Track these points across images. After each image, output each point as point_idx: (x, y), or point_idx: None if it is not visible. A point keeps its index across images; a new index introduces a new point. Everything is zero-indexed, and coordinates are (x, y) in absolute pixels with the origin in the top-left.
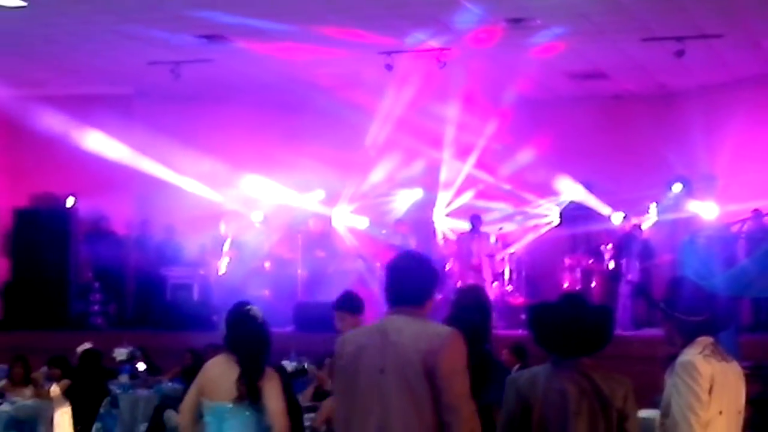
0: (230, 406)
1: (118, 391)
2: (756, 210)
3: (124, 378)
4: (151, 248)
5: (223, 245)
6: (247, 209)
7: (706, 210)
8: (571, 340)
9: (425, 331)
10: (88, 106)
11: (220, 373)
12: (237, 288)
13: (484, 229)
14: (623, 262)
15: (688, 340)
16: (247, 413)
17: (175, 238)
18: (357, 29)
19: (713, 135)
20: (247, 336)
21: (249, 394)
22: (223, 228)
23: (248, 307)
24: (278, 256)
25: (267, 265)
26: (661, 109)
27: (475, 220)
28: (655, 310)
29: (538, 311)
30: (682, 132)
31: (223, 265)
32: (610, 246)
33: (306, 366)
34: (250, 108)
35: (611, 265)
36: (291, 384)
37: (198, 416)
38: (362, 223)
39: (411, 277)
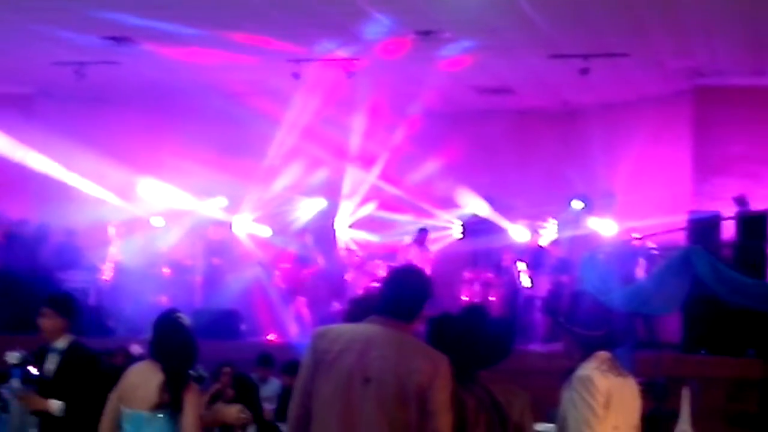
0: (148, 414)
1: (8, 396)
2: (630, 231)
3: (15, 382)
4: (50, 251)
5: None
6: (147, 214)
7: (605, 227)
8: (471, 352)
9: (419, 351)
10: None
11: (141, 380)
12: (135, 293)
13: (392, 239)
14: (527, 276)
15: (586, 354)
16: (165, 422)
17: (74, 241)
18: (266, 36)
19: (613, 152)
20: (174, 344)
21: (171, 403)
22: (112, 232)
23: (177, 314)
24: (177, 262)
25: (166, 270)
26: (564, 126)
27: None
28: (554, 324)
29: (438, 323)
30: (583, 149)
31: (108, 270)
32: (518, 261)
33: (202, 373)
34: (155, 112)
35: (523, 279)
36: (258, 394)
37: (117, 424)
38: (265, 231)
39: (408, 293)
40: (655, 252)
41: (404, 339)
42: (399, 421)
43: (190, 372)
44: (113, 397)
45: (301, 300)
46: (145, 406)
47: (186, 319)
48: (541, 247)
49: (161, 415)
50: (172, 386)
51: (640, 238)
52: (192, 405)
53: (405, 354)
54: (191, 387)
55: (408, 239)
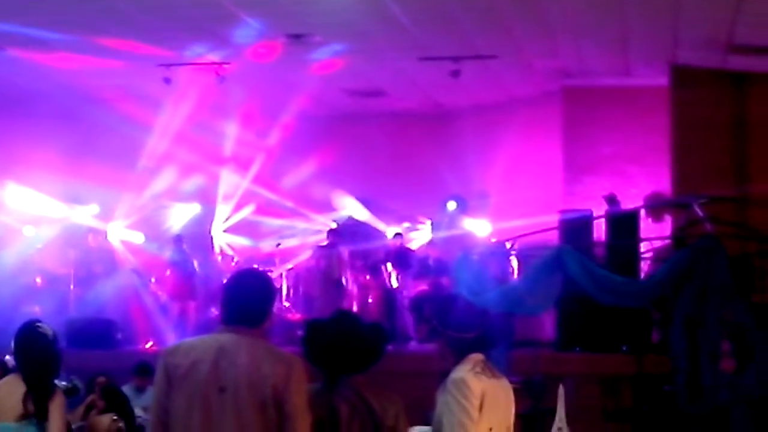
0: (15, 425)
1: None
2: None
3: None
4: None
5: None
6: (17, 223)
7: (479, 227)
8: (342, 357)
9: (271, 355)
10: None
11: (7, 392)
12: (5, 304)
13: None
14: (400, 277)
15: (460, 357)
16: None
17: None
18: (134, 41)
19: (486, 153)
20: (34, 354)
21: (36, 413)
22: None
23: (37, 324)
24: (50, 271)
25: (38, 280)
26: (438, 128)
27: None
28: (428, 326)
29: (311, 328)
30: (457, 150)
31: None
32: (388, 263)
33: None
34: (23, 118)
35: (391, 281)
36: (129, 404)
37: None
38: (137, 237)
39: (250, 297)
40: (514, 253)
41: (255, 344)
42: (258, 428)
43: (64, 383)
44: None
45: (179, 306)
46: (11, 417)
47: (47, 329)
48: (413, 248)
49: (28, 426)
50: (35, 396)
51: (495, 240)
52: (57, 413)
53: (257, 360)
54: (56, 395)
55: (286, 242)
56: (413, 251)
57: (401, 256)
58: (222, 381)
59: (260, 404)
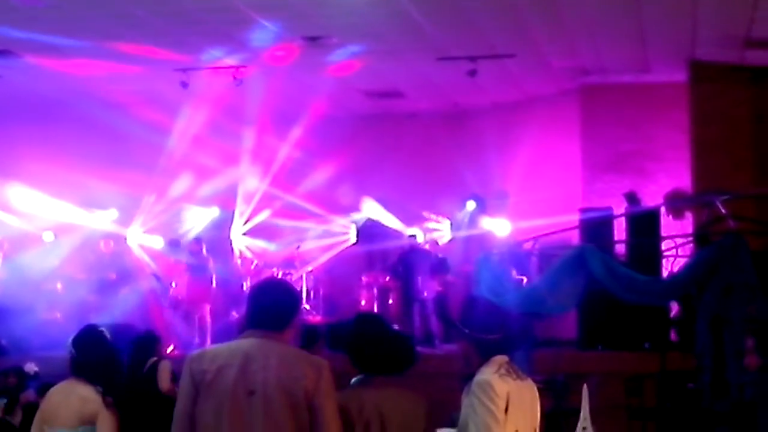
0: (71, 431)
1: None
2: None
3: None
4: None
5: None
6: (37, 229)
7: (499, 227)
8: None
9: (298, 358)
10: None
11: (61, 399)
12: (26, 311)
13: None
14: (418, 279)
15: (484, 358)
16: None
17: None
18: (151, 46)
19: (505, 153)
20: (100, 358)
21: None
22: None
23: (101, 328)
24: (70, 277)
25: (59, 286)
26: (456, 128)
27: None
28: (451, 328)
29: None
30: (475, 150)
31: None
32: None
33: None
34: (43, 125)
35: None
36: None
37: None
38: (157, 242)
39: (275, 303)
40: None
41: (283, 348)
42: (290, 429)
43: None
44: (36, 419)
45: (198, 310)
46: (67, 424)
47: (107, 333)
48: (428, 248)
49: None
50: (112, 395)
51: (515, 239)
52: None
53: (287, 362)
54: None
55: (306, 245)
56: (430, 252)
57: (419, 257)
58: (251, 384)
59: (292, 406)
